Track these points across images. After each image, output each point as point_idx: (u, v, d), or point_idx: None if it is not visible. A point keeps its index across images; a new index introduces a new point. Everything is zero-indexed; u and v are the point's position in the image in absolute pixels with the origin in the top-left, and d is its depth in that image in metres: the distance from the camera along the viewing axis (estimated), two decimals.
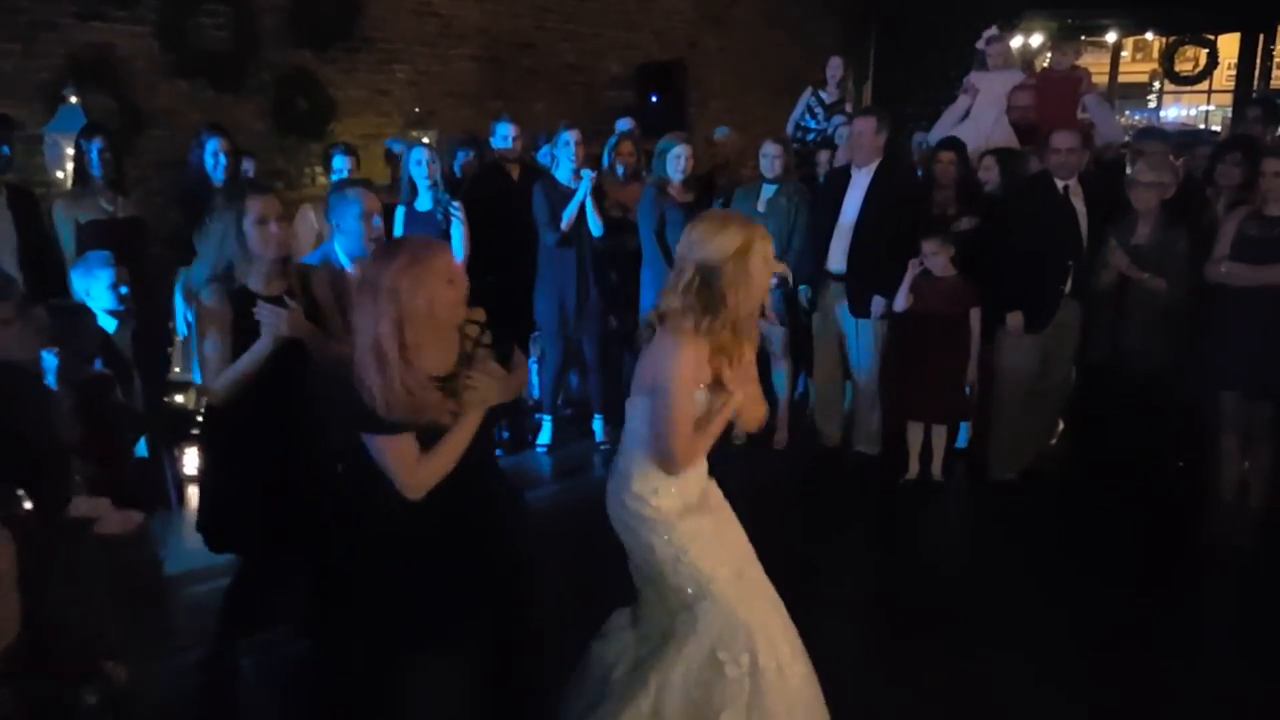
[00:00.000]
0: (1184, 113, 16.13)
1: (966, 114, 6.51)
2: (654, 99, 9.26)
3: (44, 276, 4.47)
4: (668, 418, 2.59)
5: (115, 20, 6.29)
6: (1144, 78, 16.52)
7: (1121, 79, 14.93)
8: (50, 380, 3.45)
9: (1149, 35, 14.44)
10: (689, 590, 2.67)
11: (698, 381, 2.62)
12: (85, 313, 3.68)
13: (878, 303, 5.34)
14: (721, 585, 2.66)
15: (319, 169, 7.33)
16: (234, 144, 5.49)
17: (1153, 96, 16.60)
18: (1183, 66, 13.12)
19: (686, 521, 2.70)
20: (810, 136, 7.60)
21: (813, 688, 2.74)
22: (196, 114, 6.50)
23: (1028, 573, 4.47)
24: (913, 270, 5.17)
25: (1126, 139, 6.59)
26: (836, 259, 5.45)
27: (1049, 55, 8.21)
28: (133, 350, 4.17)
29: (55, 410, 3.34)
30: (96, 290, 3.88)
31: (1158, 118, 15.62)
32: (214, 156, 5.29)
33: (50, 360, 3.49)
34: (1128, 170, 5.29)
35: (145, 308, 4.45)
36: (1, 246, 4.51)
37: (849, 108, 7.75)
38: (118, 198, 4.89)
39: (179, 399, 5.17)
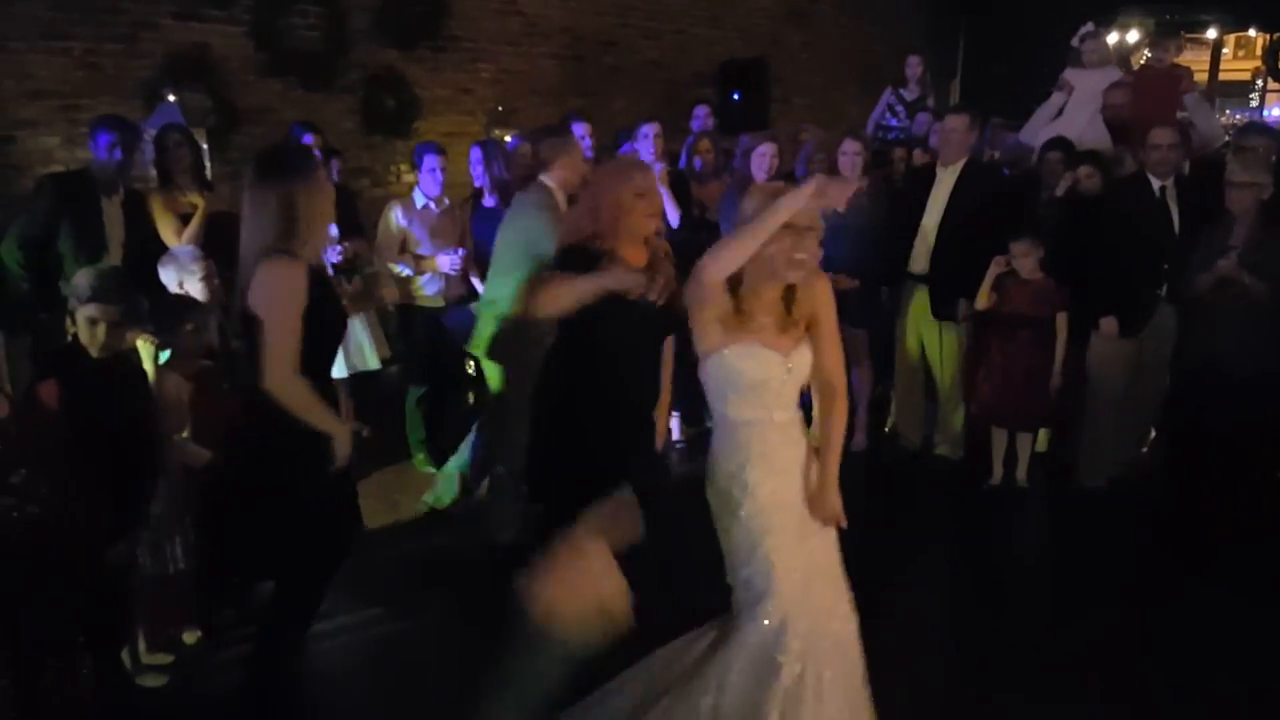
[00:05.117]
0: None
1: (1060, 112, 6.35)
2: (736, 96, 9.20)
3: (149, 274, 4.61)
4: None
5: (211, 20, 6.47)
6: (1246, 76, 15.97)
7: (1223, 77, 14.42)
8: (148, 368, 3.56)
9: (1251, 32, 13.94)
10: (758, 585, 2.67)
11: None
12: (201, 308, 3.79)
13: (962, 304, 5.25)
14: (788, 588, 2.65)
15: (404, 166, 7.45)
16: (326, 141, 5.60)
17: (1255, 95, 16.04)
18: None
19: (774, 515, 2.70)
20: (892, 135, 7.50)
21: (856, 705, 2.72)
22: (288, 112, 6.66)
23: (1118, 583, 4.35)
24: (995, 269, 5.07)
25: (1227, 139, 6.36)
26: (919, 260, 5.36)
27: (1147, 52, 7.97)
28: (219, 343, 4.28)
29: (153, 399, 3.46)
30: (190, 284, 3.98)
31: (1260, 117, 15.07)
32: None
33: (148, 349, 3.61)
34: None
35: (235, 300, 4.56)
36: (112, 245, 4.67)
37: (931, 104, 7.64)
38: (204, 193, 5.01)
39: None
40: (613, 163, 3.55)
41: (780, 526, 2.70)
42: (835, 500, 2.77)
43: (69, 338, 3.20)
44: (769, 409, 2.74)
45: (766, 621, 2.64)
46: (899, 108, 7.61)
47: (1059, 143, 5.66)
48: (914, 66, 7.72)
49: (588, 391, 3.09)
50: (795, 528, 2.73)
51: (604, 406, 3.07)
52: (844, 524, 2.79)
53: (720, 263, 2.59)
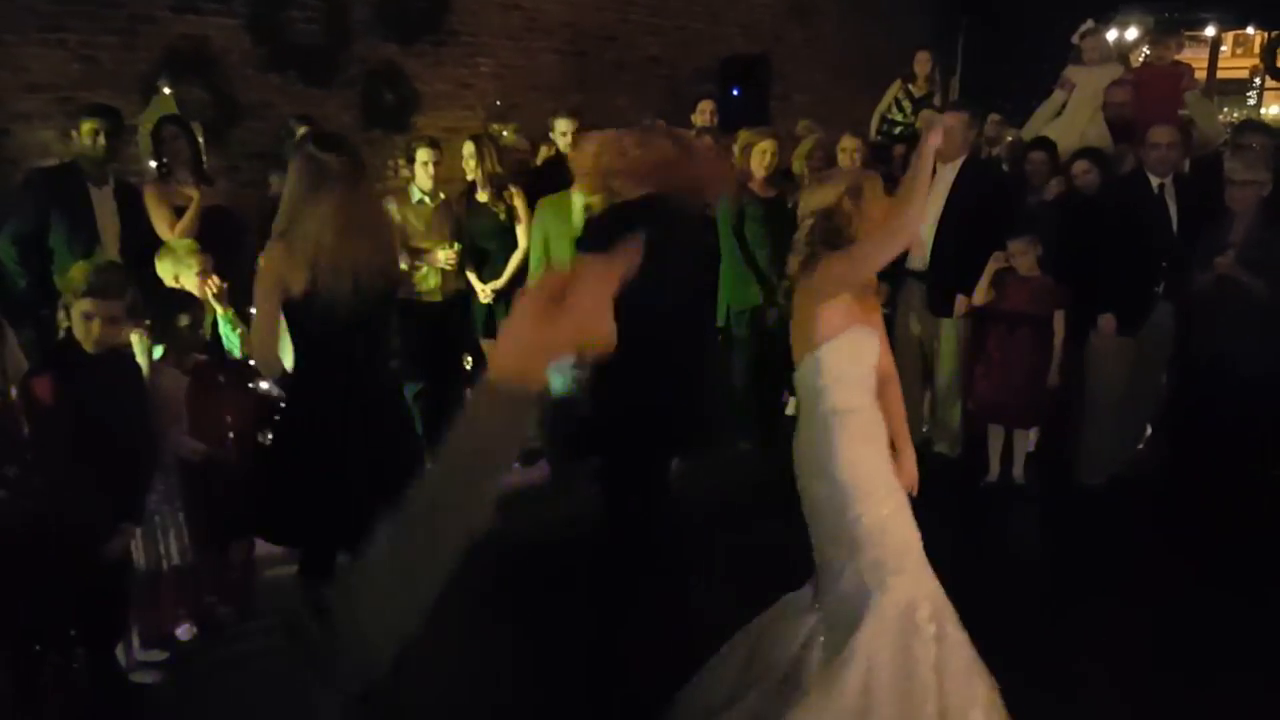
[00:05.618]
0: None
1: (1061, 109, 6.33)
2: (736, 92, 9.17)
3: (144, 267, 4.60)
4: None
5: (210, 14, 6.44)
6: (1244, 74, 15.93)
7: (1221, 75, 14.39)
8: (141, 362, 3.55)
9: (1250, 29, 13.91)
10: (890, 564, 2.76)
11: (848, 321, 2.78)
12: (197, 303, 3.78)
13: (959, 300, 5.24)
14: (914, 559, 2.80)
15: (402, 162, 7.42)
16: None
17: (1253, 93, 16.00)
18: None
19: (893, 494, 2.84)
20: (897, 129, 7.50)
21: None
22: (287, 106, 6.63)
23: (1116, 580, 4.34)
24: (993, 265, 5.05)
25: (1227, 137, 6.35)
26: (918, 256, 5.34)
27: (1146, 49, 7.96)
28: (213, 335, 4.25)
29: (148, 394, 3.45)
30: (186, 278, 3.96)
31: (1259, 116, 15.05)
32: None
33: (142, 343, 3.59)
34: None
35: (235, 295, 4.54)
36: (106, 238, 4.65)
37: (937, 101, 7.63)
38: (201, 186, 4.99)
39: (264, 385, 5.26)
40: (652, 137, 3.44)
41: (899, 503, 2.84)
42: (915, 467, 2.98)
43: (62, 332, 3.19)
44: (868, 393, 2.86)
45: (902, 594, 2.74)
46: (905, 103, 7.60)
47: (1042, 142, 5.65)
48: (922, 63, 7.71)
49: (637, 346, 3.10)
50: (903, 501, 2.87)
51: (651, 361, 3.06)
52: (915, 491, 2.96)
53: (914, 228, 2.69)
